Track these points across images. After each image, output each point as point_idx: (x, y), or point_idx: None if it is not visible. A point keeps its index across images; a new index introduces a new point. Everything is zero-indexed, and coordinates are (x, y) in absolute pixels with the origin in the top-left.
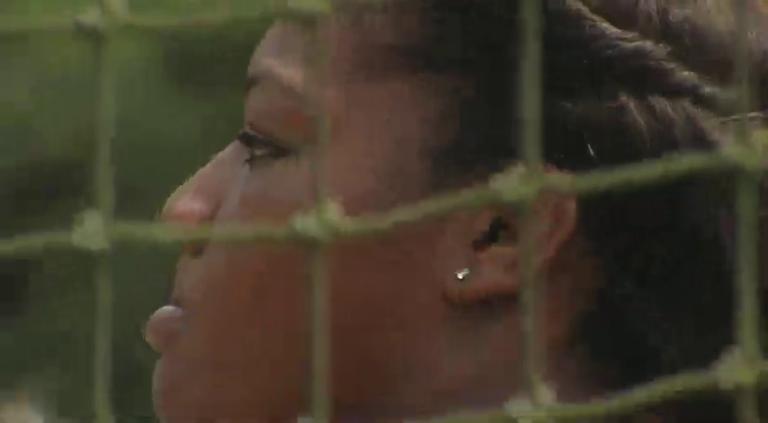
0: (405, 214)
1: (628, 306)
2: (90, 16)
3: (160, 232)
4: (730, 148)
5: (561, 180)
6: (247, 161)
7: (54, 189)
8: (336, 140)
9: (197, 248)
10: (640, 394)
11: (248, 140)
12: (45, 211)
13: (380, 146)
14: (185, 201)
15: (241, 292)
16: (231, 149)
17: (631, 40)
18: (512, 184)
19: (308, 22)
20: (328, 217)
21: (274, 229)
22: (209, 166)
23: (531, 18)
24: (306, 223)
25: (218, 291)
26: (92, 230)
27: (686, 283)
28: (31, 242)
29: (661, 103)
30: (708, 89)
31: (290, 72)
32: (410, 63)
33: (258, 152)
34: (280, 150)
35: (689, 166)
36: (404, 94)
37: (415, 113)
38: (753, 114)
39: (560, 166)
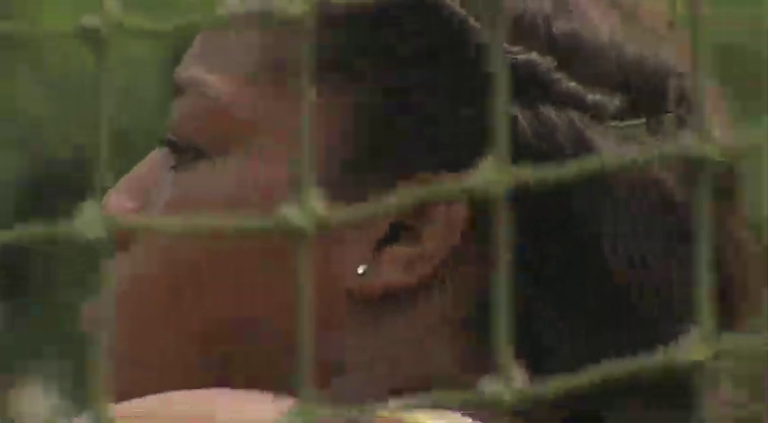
0: (383, 204)
1: (523, 306)
2: (92, 19)
3: (158, 223)
4: (692, 141)
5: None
6: (172, 167)
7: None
8: (255, 147)
9: (123, 243)
10: (587, 377)
11: (173, 146)
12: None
13: (297, 154)
14: (115, 198)
15: (158, 291)
16: (156, 155)
17: (518, 53)
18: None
19: (293, 24)
20: (314, 207)
21: (261, 219)
22: (134, 170)
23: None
24: (291, 213)
25: (138, 287)
26: (90, 219)
27: (577, 283)
28: (31, 232)
29: (547, 112)
30: (592, 98)
31: (213, 78)
32: (324, 76)
33: (182, 157)
34: (202, 154)
35: (633, 160)
36: (320, 105)
37: (330, 124)
38: (637, 121)
39: (457, 169)
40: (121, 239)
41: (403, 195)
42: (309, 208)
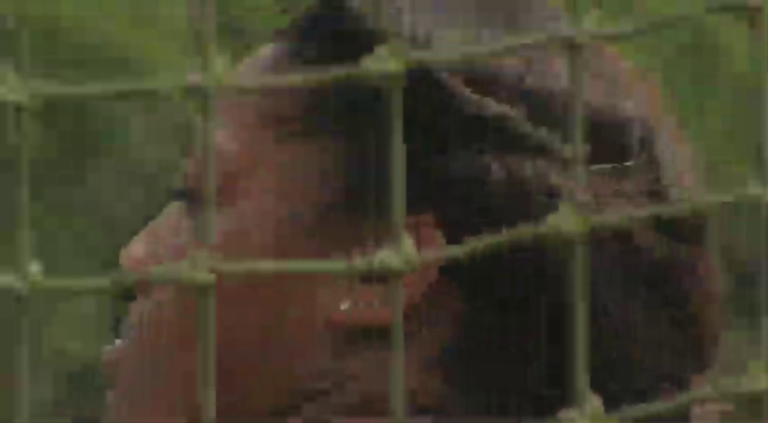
0: (468, 247)
1: (489, 334)
2: (196, 77)
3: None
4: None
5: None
6: (187, 216)
7: None
8: (245, 194)
9: (144, 289)
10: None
11: (184, 196)
12: None
13: (284, 200)
14: (138, 246)
15: (168, 333)
16: (173, 206)
17: (490, 106)
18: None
19: (382, 82)
20: (407, 250)
21: (354, 263)
22: (159, 217)
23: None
24: (385, 256)
25: (151, 330)
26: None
27: (533, 314)
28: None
29: (516, 160)
30: (557, 145)
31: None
32: (303, 130)
33: (194, 206)
34: (199, 202)
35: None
36: (300, 155)
37: (310, 172)
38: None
39: (434, 212)
40: (143, 287)
41: (483, 241)
42: (404, 252)
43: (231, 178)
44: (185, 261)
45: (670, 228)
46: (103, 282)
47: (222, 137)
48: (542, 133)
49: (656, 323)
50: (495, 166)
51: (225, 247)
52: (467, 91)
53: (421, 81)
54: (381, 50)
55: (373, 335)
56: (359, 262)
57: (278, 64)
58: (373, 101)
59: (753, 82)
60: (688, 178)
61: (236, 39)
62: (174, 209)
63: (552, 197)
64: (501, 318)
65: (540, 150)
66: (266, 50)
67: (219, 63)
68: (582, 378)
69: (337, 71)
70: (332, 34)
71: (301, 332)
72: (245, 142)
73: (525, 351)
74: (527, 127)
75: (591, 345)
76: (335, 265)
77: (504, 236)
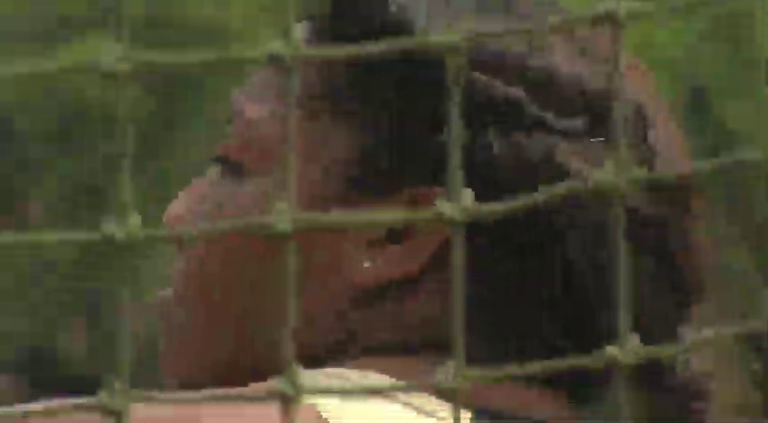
0: (510, 206)
1: (507, 282)
2: (277, 46)
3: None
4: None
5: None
6: (223, 180)
7: None
8: (279, 163)
9: (182, 245)
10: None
11: (223, 163)
12: None
13: (313, 170)
14: (177, 204)
15: (209, 283)
16: (212, 170)
17: (497, 88)
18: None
19: (450, 51)
20: (466, 203)
21: (421, 213)
22: (197, 179)
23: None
24: (447, 207)
25: (192, 280)
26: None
27: (548, 264)
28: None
29: (522, 138)
30: (561, 123)
31: (253, 108)
32: (333, 108)
33: (230, 172)
34: (243, 170)
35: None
36: (330, 130)
37: (337, 146)
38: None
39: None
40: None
41: (519, 201)
42: (463, 204)
43: (268, 151)
44: (274, 212)
45: (659, 193)
46: (189, 231)
47: (259, 113)
48: (546, 113)
49: (645, 272)
50: (499, 144)
51: (262, 209)
52: (476, 74)
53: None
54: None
55: (390, 289)
56: (422, 212)
57: (309, 42)
58: (399, 78)
59: None
60: (676, 151)
61: None
62: (213, 172)
63: (556, 168)
64: (518, 267)
65: (542, 125)
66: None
67: (298, 33)
68: (624, 317)
69: (403, 42)
70: (361, 16)
71: (326, 288)
72: (280, 119)
73: (540, 299)
74: (532, 107)
75: (594, 291)
76: (396, 215)
77: (541, 195)
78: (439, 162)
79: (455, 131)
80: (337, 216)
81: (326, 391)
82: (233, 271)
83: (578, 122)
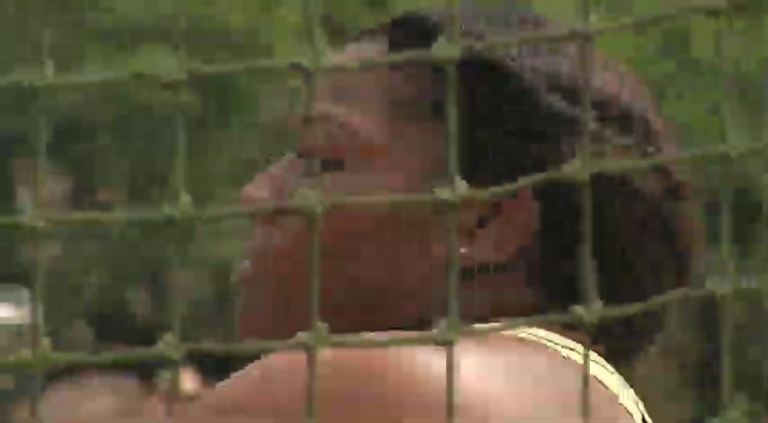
0: (510, 187)
1: (556, 249)
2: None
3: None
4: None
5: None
6: (305, 173)
7: None
8: (379, 162)
9: (266, 220)
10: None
11: (305, 158)
12: None
13: (408, 170)
14: (252, 189)
15: (292, 257)
16: (287, 161)
17: (564, 110)
18: None
19: (439, 66)
20: (460, 189)
21: (420, 196)
22: (269, 170)
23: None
24: (445, 193)
25: (275, 253)
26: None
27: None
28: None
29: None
30: (603, 131)
31: (337, 110)
32: (424, 114)
33: (315, 167)
34: (327, 166)
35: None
36: (421, 134)
37: (425, 148)
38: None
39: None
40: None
41: (526, 181)
42: (458, 190)
43: (368, 151)
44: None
45: (658, 178)
46: (237, 209)
47: (359, 118)
48: (600, 128)
49: (648, 243)
50: (568, 151)
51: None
52: (553, 97)
53: (508, 84)
54: (441, 40)
55: (480, 272)
56: (422, 196)
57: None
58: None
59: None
60: (670, 146)
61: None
62: (286, 159)
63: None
64: (566, 225)
65: (596, 139)
66: (363, 45)
67: (321, 47)
68: (589, 279)
69: (408, 54)
70: (416, 32)
71: (422, 270)
72: (377, 123)
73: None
74: (594, 126)
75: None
76: (397, 197)
77: (526, 182)
78: (507, 168)
79: (452, 127)
80: (389, 196)
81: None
82: (342, 243)
83: (615, 131)
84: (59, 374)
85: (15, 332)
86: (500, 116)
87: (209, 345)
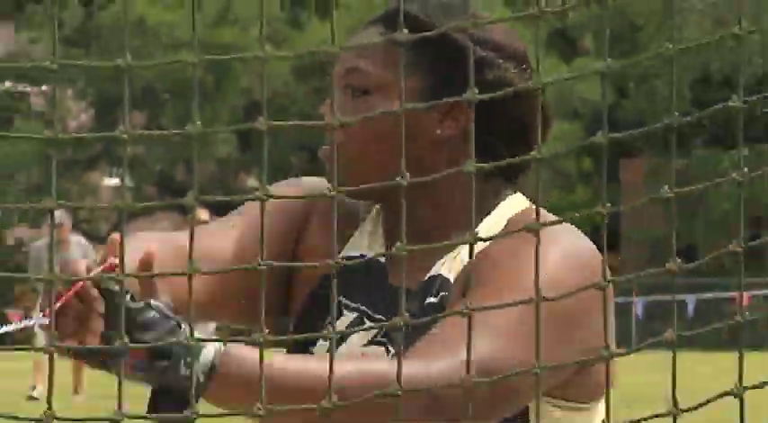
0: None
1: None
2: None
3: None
4: None
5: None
6: (353, 97)
7: None
8: (386, 91)
9: (360, 92)
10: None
11: (353, 88)
12: None
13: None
14: (325, 108)
15: (378, 131)
16: (342, 92)
17: (491, 56)
18: None
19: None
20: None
21: (412, 106)
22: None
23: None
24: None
25: (365, 126)
26: None
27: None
28: None
29: (500, 73)
30: (502, 62)
31: (367, 66)
32: (410, 65)
33: (357, 93)
34: (367, 93)
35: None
36: (409, 76)
37: (413, 84)
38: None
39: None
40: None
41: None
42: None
43: (379, 86)
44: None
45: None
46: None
47: (373, 68)
48: (501, 61)
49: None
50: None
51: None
52: (477, 48)
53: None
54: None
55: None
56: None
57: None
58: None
59: None
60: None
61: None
62: (340, 92)
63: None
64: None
65: (497, 66)
66: (370, 29)
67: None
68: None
69: (387, 38)
70: (411, 20)
71: (416, 142)
72: (383, 71)
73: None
74: (496, 59)
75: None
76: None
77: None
78: (458, 88)
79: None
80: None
81: None
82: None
83: (512, 64)
84: None
85: None
86: (451, 61)
87: None
